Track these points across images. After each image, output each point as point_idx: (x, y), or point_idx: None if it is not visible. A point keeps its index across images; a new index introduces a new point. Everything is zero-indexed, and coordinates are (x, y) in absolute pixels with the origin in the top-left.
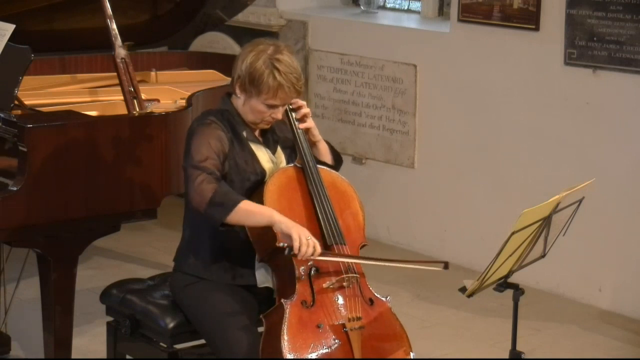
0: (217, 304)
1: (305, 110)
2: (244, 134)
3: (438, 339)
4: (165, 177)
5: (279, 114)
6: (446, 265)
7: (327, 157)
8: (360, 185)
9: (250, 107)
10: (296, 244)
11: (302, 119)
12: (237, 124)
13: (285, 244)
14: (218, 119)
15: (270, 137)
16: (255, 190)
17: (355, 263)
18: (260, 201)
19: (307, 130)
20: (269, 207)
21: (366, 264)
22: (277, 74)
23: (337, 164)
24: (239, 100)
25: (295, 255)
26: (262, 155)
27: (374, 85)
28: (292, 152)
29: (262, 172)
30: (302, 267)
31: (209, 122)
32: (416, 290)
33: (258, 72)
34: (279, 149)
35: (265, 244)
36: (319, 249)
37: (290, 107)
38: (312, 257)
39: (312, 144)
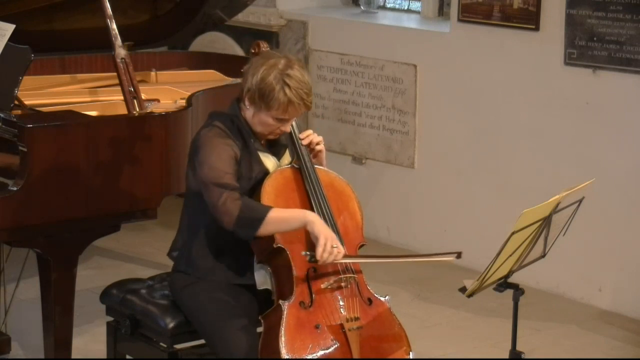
0: (216, 304)
1: (316, 138)
2: (252, 141)
3: (438, 339)
4: (165, 177)
5: (287, 127)
6: (459, 255)
7: None
8: (360, 185)
9: (259, 120)
10: (320, 250)
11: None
12: (245, 132)
13: (307, 253)
14: (227, 125)
15: (277, 142)
16: (252, 191)
17: (364, 263)
18: (257, 202)
19: (318, 155)
20: (300, 209)
21: (382, 262)
22: (287, 90)
23: None
24: (248, 111)
25: (317, 262)
26: (269, 162)
27: (374, 85)
28: None
29: None
30: (301, 268)
31: (218, 130)
32: (416, 290)
33: (269, 87)
34: (286, 153)
35: (263, 244)
36: (340, 256)
37: (302, 140)
38: (333, 262)
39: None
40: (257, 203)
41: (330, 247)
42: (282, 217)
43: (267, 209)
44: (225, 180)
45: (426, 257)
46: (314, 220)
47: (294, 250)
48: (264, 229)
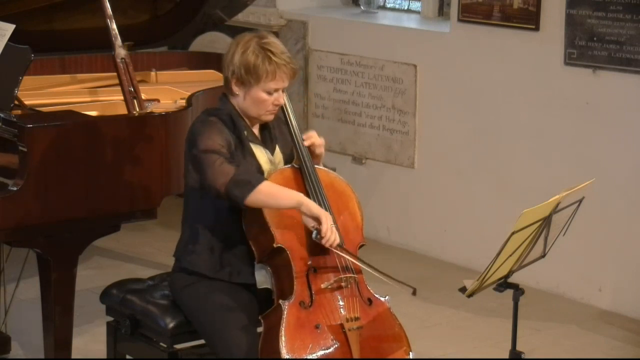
0: (217, 304)
1: (318, 141)
2: (245, 133)
3: (438, 339)
4: (165, 177)
5: (280, 98)
6: (414, 292)
7: None
8: (360, 185)
9: (252, 99)
10: (324, 227)
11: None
12: (238, 124)
13: (314, 227)
14: (221, 119)
15: (268, 137)
16: None
17: (352, 262)
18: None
19: (317, 156)
20: (294, 190)
21: (363, 268)
22: (271, 55)
23: None
24: (238, 98)
25: (321, 239)
26: (261, 155)
27: (374, 85)
28: (290, 156)
29: (261, 172)
30: (301, 268)
31: (212, 121)
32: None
33: (252, 59)
34: (277, 148)
35: (263, 244)
36: (338, 239)
37: (303, 140)
38: (331, 247)
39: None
40: (253, 170)
41: (330, 225)
42: (275, 191)
43: (263, 177)
44: (223, 151)
45: (388, 278)
46: (309, 202)
47: (294, 250)
48: (256, 197)
